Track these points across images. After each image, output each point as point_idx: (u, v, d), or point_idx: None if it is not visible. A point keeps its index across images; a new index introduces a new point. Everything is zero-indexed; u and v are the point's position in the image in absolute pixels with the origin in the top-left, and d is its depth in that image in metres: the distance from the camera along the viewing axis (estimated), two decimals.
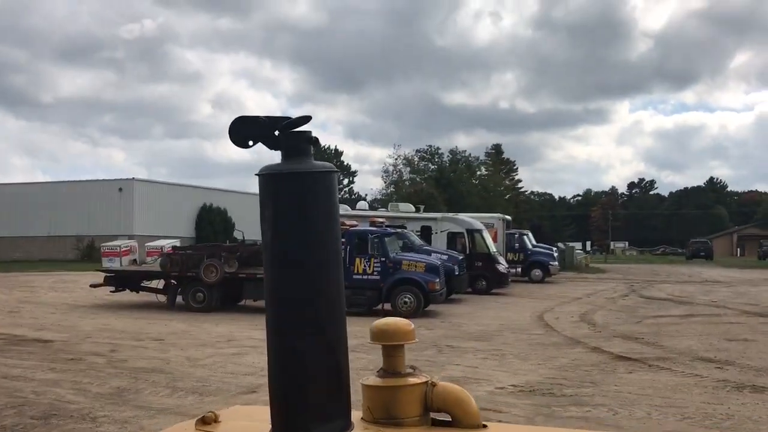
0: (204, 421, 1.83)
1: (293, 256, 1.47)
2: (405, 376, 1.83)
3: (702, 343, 14.32)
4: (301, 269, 1.47)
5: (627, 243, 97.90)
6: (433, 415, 1.85)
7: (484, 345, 14.22)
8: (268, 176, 1.51)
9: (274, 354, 1.51)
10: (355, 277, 19.47)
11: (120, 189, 50.40)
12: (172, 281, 20.46)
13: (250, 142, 1.55)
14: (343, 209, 38.52)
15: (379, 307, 19.30)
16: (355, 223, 25.17)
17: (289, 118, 1.53)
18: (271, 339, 1.52)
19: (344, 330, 1.56)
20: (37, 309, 19.48)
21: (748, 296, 25.52)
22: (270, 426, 1.69)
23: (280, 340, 1.51)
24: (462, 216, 30.21)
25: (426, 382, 1.83)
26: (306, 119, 1.52)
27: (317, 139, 1.52)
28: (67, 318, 17.49)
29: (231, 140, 1.55)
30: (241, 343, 13.91)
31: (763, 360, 12.24)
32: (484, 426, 1.80)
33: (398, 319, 1.99)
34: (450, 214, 30.86)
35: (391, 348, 1.87)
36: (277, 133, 1.53)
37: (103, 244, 22.61)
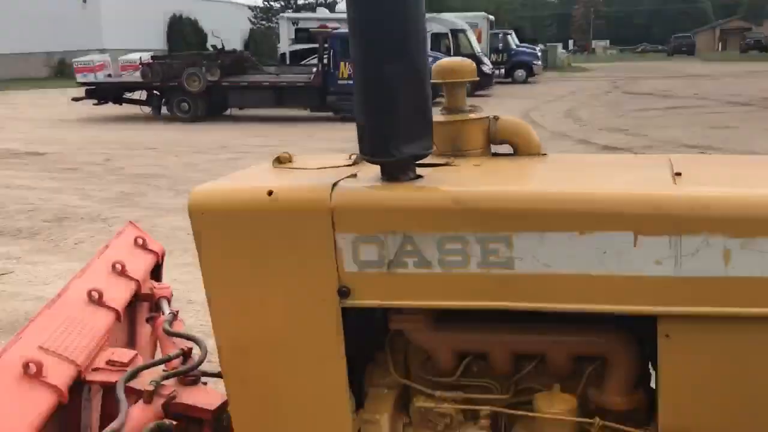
0: (279, 160, 1.94)
1: None
2: (468, 112, 1.93)
3: (686, 132, 14.65)
4: None
5: (608, 42, 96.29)
6: (494, 148, 1.97)
7: None
8: None
9: (361, 82, 1.57)
10: (340, 82, 19.26)
11: (84, 0, 47.89)
12: (155, 92, 20.17)
13: None
14: (323, 13, 37.19)
15: None
16: (337, 26, 24.42)
17: None
18: (358, 68, 1.58)
19: (426, 56, 1.61)
20: (23, 125, 19.28)
21: (731, 88, 25.68)
22: (347, 160, 1.81)
23: (366, 67, 1.56)
24: (446, 15, 29.31)
25: (488, 116, 1.93)
26: None
27: None
28: (55, 132, 17.39)
29: None
30: (235, 150, 14.04)
31: (746, 145, 12.64)
32: (545, 154, 1.92)
33: (461, 57, 2.05)
34: (434, 14, 29.92)
35: (455, 85, 1.94)
36: None
37: (75, 60, 21.91)
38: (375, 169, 1.68)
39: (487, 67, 26.96)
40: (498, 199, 1.50)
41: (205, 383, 2.30)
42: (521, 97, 25.09)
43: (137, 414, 1.97)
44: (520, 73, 32.44)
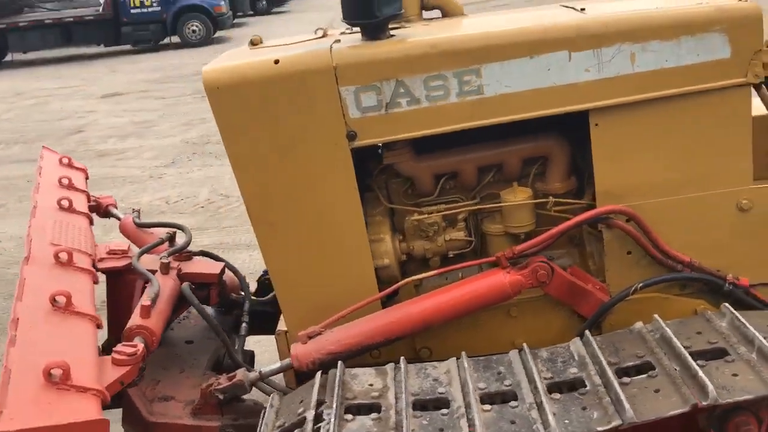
0: (253, 43, 2.24)
1: None
2: None
3: None
4: None
5: None
6: None
7: None
8: None
9: None
10: (133, 11, 18.36)
11: None
12: None
13: None
14: None
15: (167, 40, 18.63)
16: None
17: None
18: None
19: None
20: None
21: None
22: None
23: None
24: None
25: None
26: None
27: None
28: None
29: None
30: (33, 95, 13.18)
31: None
32: (466, 15, 2.37)
33: None
34: None
35: None
36: None
37: None
38: (352, 36, 2.05)
39: None
40: (467, 40, 1.95)
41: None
42: (321, 9, 25.21)
43: (163, 281, 2.26)
44: None
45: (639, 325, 1.92)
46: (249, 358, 2.53)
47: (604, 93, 1.95)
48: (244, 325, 2.55)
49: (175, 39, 18.55)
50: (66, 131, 9.77)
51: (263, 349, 3.10)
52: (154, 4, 18.51)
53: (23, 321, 1.72)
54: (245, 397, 2.14)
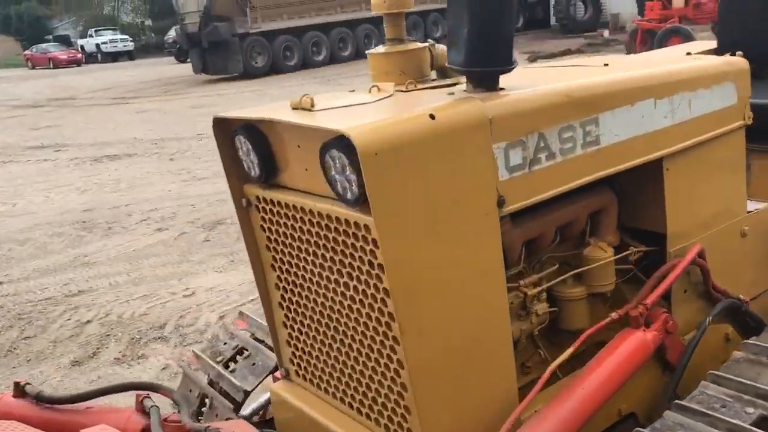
0: (302, 104, 1.65)
1: None
2: (409, 42, 2.00)
3: (13, 134, 14.04)
4: None
5: None
6: None
7: None
8: None
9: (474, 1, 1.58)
10: None
11: None
12: None
13: None
14: None
15: None
16: None
17: None
18: None
19: None
20: None
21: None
22: None
23: None
24: None
25: (427, 45, 2.04)
26: None
27: None
28: None
29: None
30: None
31: (78, 134, 13.04)
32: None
33: None
34: None
35: (394, 16, 1.98)
36: None
37: None
38: (458, 87, 1.72)
39: None
40: (592, 87, 1.80)
41: None
42: None
43: None
44: None
45: (738, 354, 1.99)
46: None
47: (675, 139, 2.01)
48: None
49: None
50: None
51: None
52: None
53: None
54: None
